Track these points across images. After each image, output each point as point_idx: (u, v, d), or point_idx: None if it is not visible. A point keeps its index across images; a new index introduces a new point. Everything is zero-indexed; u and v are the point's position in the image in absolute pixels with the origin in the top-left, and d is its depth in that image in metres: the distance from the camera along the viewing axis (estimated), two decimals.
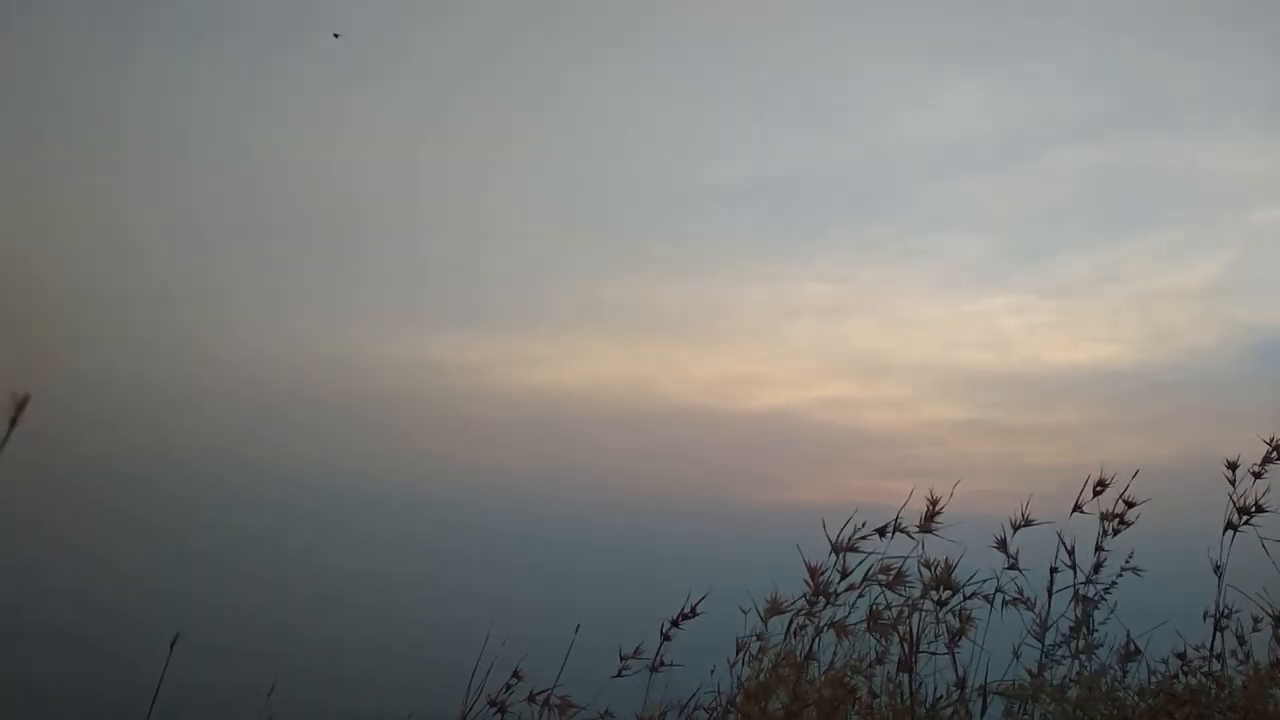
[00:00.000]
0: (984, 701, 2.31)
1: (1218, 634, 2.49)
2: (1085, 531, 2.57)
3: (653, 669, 2.20)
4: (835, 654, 2.26)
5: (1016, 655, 2.38)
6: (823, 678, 2.22)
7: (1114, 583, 2.52)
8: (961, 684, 2.33)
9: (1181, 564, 2.59)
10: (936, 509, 2.26)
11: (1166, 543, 2.69)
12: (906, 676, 2.27)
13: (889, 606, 2.27)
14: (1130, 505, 2.52)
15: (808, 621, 2.23)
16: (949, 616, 2.35)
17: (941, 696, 2.33)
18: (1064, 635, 2.47)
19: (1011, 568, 2.45)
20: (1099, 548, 2.52)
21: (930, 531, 2.26)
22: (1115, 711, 2.37)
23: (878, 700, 2.29)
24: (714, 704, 2.22)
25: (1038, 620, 2.46)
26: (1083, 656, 2.47)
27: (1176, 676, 2.44)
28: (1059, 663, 2.44)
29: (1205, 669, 2.42)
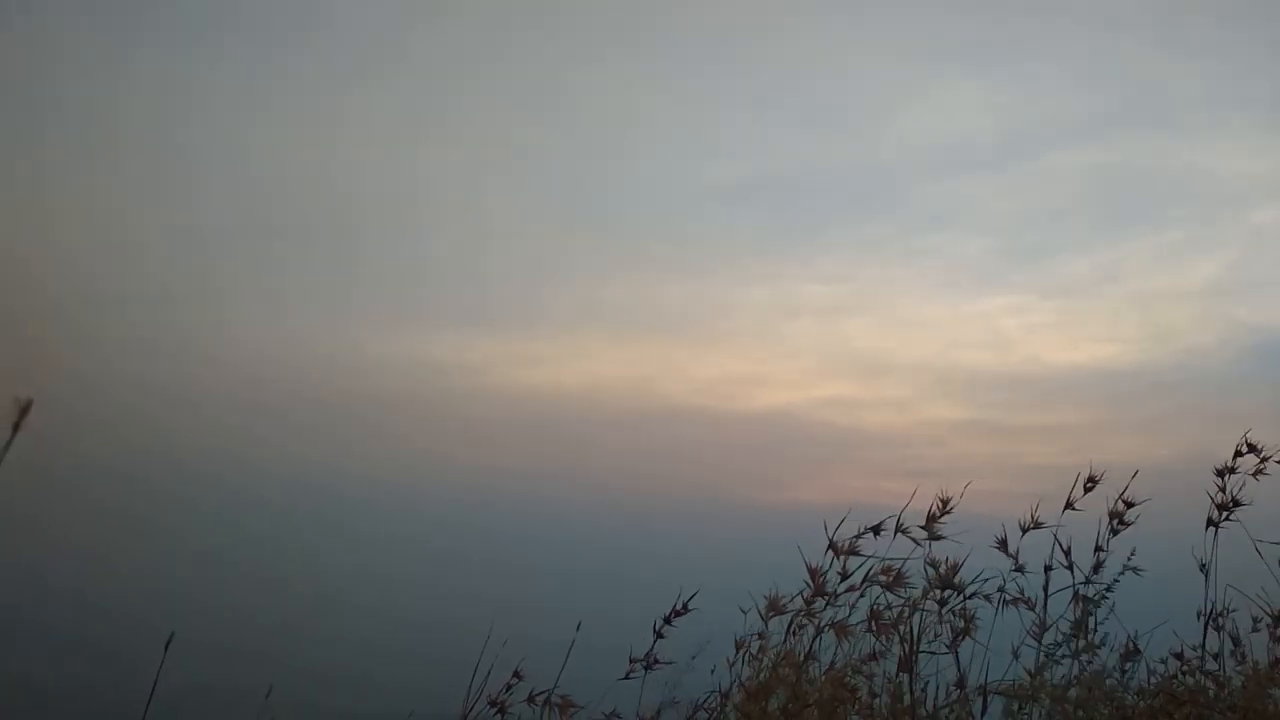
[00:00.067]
0: (984, 701, 2.31)
1: (1213, 634, 2.49)
2: (1083, 531, 2.58)
3: (647, 667, 2.20)
4: (836, 654, 2.26)
5: (1016, 655, 2.38)
6: (823, 678, 2.22)
7: (1114, 582, 2.52)
8: (961, 684, 2.33)
9: (1181, 564, 2.59)
10: (946, 508, 2.27)
11: (1166, 543, 2.69)
12: (907, 676, 2.28)
13: (889, 607, 2.27)
14: (1130, 505, 2.52)
15: (807, 621, 2.24)
16: (950, 616, 2.35)
17: (935, 693, 2.33)
18: (1064, 635, 2.47)
19: (1018, 569, 2.45)
20: (1099, 548, 2.52)
21: (936, 535, 2.27)
22: (1115, 711, 2.37)
23: (878, 700, 2.29)
24: (714, 704, 2.22)
25: (1037, 620, 2.46)
26: (1083, 657, 2.47)
27: (1176, 677, 2.44)
28: (1059, 662, 2.44)
29: (1204, 669, 2.43)
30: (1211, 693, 2.35)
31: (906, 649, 2.27)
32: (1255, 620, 2.50)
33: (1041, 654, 2.43)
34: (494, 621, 2.12)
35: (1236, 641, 2.48)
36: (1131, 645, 2.51)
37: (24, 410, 0.90)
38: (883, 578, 2.23)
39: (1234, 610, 2.51)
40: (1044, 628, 2.46)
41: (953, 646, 2.34)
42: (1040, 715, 2.33)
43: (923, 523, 2.28)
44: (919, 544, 2.27)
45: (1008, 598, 2.43)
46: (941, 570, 2.30)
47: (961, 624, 2.34)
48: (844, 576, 2.22)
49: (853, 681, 2.25)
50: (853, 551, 2.21)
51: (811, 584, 2.22)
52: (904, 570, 2.25)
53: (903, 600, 2.27)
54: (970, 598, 2.37)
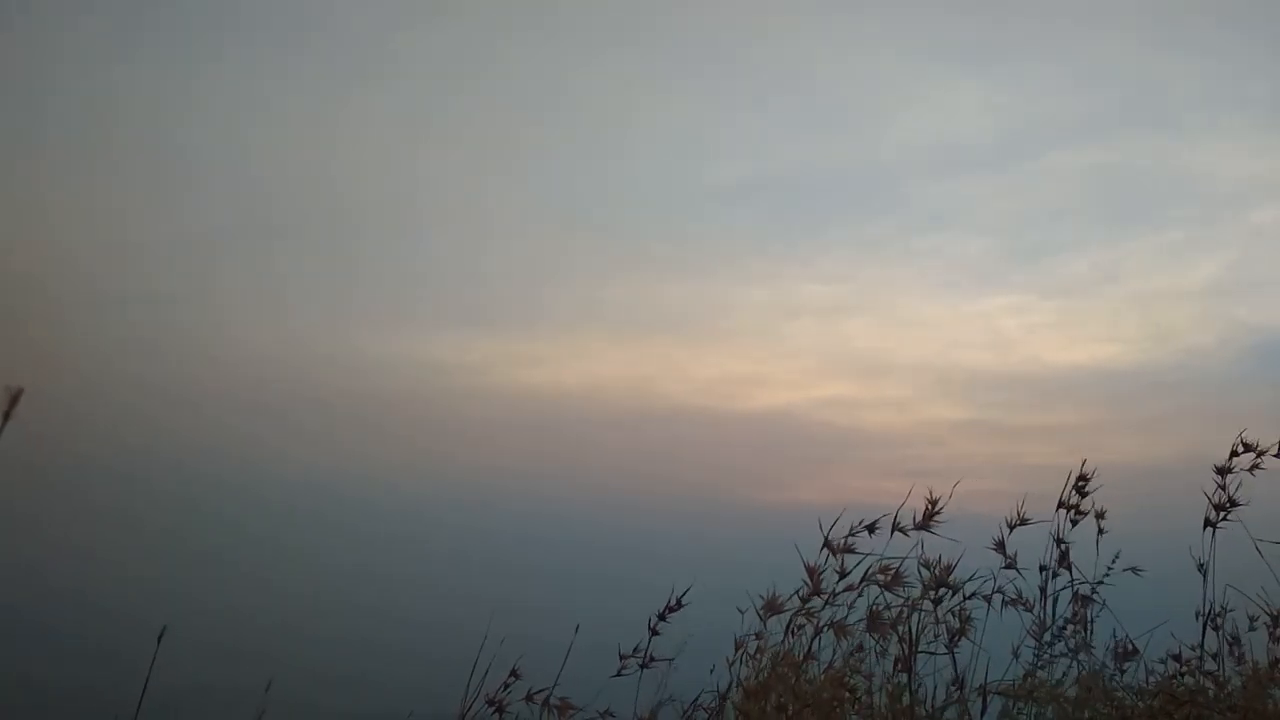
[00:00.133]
0: (983, 701, 2.31)
1: (1211, 633, 2.49)
2: (1082, 531, 2.58)
3: (643, 665, 2.20)
4: (835, 654, 2.26)
5: (1016, 655, 2.39)
6: (822, 677, 2.22)
7: (1102, 580, 2.52)
8: (960, 684, 2.33)
9: (1181, 565, 2.59)
10: (935, 509, 2.27)
11: (1166, 543, 2.69)
12: (906, 676, 2.27)
13: (888, 607, 2.27)
14: (1084, 494, 2.52)
15: (806, 621, 2.24)
16: (948, 616, 2.35)
17: (934, 693, 2.33)
18: (1057, 634, 2.47)
19: (1009, 567, 2.45)
20: (1059, 540, 2.52)
21: (928, 529, 2.26)
22: (1114, 712, 2.37)
23: (877, 699, 2.29)
24: (713, 704, 2.22)
25: (1036, 620, 2.46)
26: (1081, 656, 2.47)
27: (1176, 677, 2.44)
28: (1056, 660, 2.44)
29: (1202, 669, 2.43)
30: (1211, 693, 2.34)
31: (905, 649, 2.26)
32: (1252, 619, 2.50)
33: (1040, 653, 2.43)
34: (492, 621, 2.12)
35: (1236, 641, 2.48)
36: (1130, 645, 2.51)
37: (14, 399, 0.90)
38: (880, 577, 2.23)
39: (1233, 610, 2.51)
40: (1044, 627, 2.46)
41: (950, 646, 2.34)
42: (1039, 715, 2.33)
43: (916, 522, 2.28)
44: (908, 534, 2.27)
45: (1007, 598, 2.43)
46: (935, 570, 2.30)
47: (958, 624, 2.34)
48: (842, 575, 2.22)
49: (852, 681, 2.25)
50: (849, 550, 2.21)
51: (809, 583, 2.22)
52: (902, 569, 2.25)
53: (901, 600, 2.27)
54: (970, 598, 2.37)
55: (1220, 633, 2.49)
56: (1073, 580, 2.52)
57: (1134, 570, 2.53)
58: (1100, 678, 2.43)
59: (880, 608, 2.25)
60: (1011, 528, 2.47)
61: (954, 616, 2.36)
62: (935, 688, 2.32)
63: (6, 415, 0.96)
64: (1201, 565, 2.50)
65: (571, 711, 2.12)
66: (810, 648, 2.23)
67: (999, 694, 2.32)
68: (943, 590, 2.32)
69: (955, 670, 2.34)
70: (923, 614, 2.30)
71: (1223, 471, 2.52)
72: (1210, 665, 2.45)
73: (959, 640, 2.35)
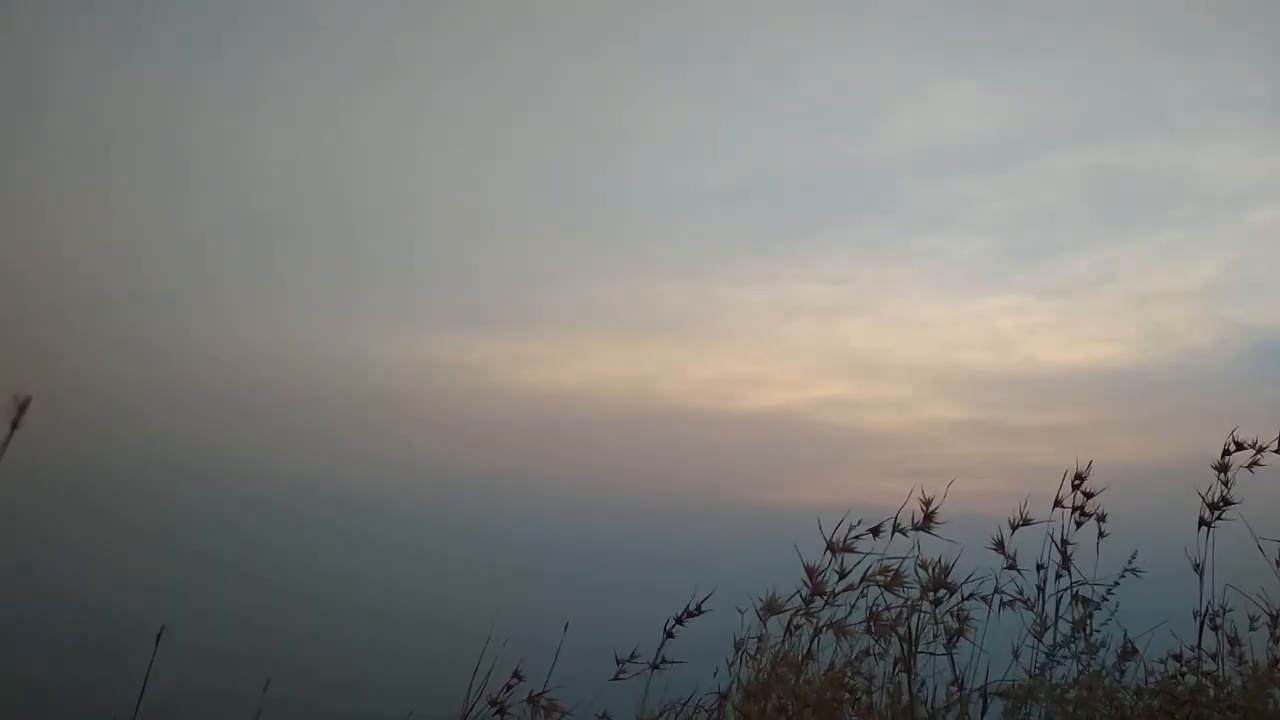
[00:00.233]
0: (984, 702, 2.31)
1: (1209, 633, 2.49)
2: (1082, 532, 2.58)
3: (654, 666, 2.20)
4: (835, 654, 2.26)
5: (1016, 655, 2.39)
6: (822, 677, 2.22)
7: (1115, 584, 2.52)
8: (960, 684, 2.33)
9: (1180, 565, 2.59)
10: (932, 510, 2.27)
11: (1165, 543, 2.69)
12: (905, 677, 2.27)
13: (888, 607, 2.27)
14: (1088, 495, 2.52)
15: (805, 621, 2.23)
16: (947, 617, 2.35)
17: (934, 694, 2.33)
18: (1064, 636, 2.47)
19: (1010, 567, 2.45)
20: (1065, 541, 2.52)
21: (928, 530, 2.26)
22: (1114, 712, 2.37)
23: (876, 698, 2.29)
24: (713, 705, 2.22)
25: (1037, 620, 2.46)
26: (1082, 657, 2.47)
27: (1175, 677, 2.44)
28: (1059, 663, 2.44)
29: (1202, 669, 2.43)
30: (1211, 693, 2.34)
31: (905, 649, 2.26)
32: (1253, 619, 2.50)
33: (1040, 654, 2.43)
34: (494, 622, 2.11)
35: (1235, 641, 2.48)
36: (1130, 645, 2.51)
37: (22, 408, 0.90)
38: (880, 577, 2.23)
39: (1232, 610, 2.51)
40: (1044, 628, 2.46)
41: (949, 646, 2.34)
42: (1039, 715, 2.33)
43: (914, 522, 2.28)
44: (906, 535, 2.27)
45: (1005, 598, 2.43)
46: (933, 570, 2.30)
47: (956, 624, 2.34)
48: (841, 575, 2.22)
49: (852, 682, 2.25)
50: (848, 549, 2.21)
51: (809, 583, 2.22)
52: (901, 570, 2.25)
53: (901, 600, 2.27)
54: (968, 598, 2.37)
55: (1219, 633, 2.49)
56: (1072, 582, 2.52)
57: (1134, 571, 2.53)
58: (1101, 678, 2.43)
59: (880, 608, 2.25)
60: (1014, 528, 2.47)
61: (953, 617, 2.36)
62: (935, 688, 2.33)
63: (15, 424, 0.96)
64: (1198, 565, 2.50)
65: (558, 713, 2.11)
66: (810, 648, 2.22)
67: (999, 694, 2.32)
68: (941, 591, 2.32)
69: (954, 671, 2.34)
70: (922, 614, 2.30)
71: (1221, 470, 2.52)
72: (1210, 665, 2.45)
73: (958, 640, 2.35)
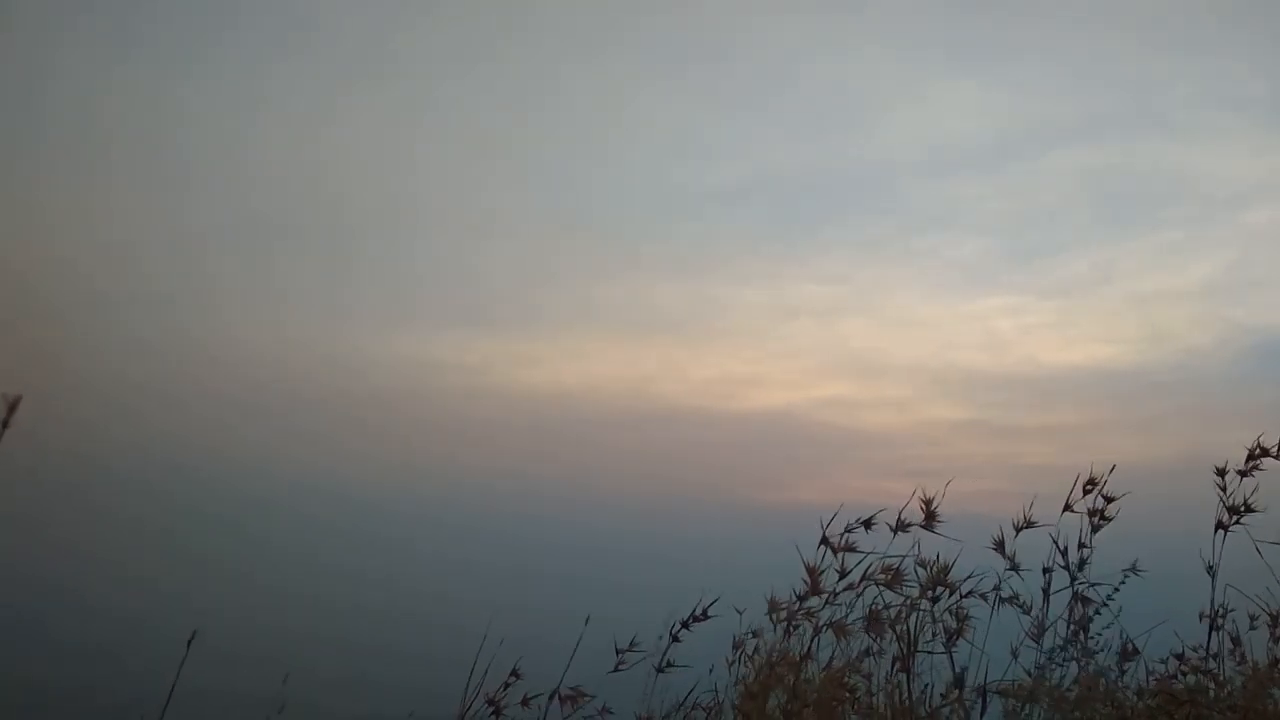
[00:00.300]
0: (983, 701, 2.31)
1: (1214, 634, 2.49)
2: (1080, 531, 2.57)
3: (659, 669, 2.20)
4: (834, 653, 2.26)
5: (1015, 655, 2.38)
6: (822, 675, 2.22)
7: (1118, 587, 2.51)
8: (959, 683, 2.33)
9: (1180, 565, 2.59)
10: (931, 509, 2.27)
11: (1165, 543, 2.69)
12: (905, 676, 2.27)
13: (887, 606, 2.27)
14: (1110, 500, 2.52)
15: (805, 621, 2.23)
16: (946, 616, 2.35)
17: (931, 693, 2.33)
18: (1064, 637, 2.46)
19: (1012, 568, 2.45)
20: (1082, 544, 2.52)
21: (928, 528, 2.26)
22: (1114, 712, 2.37)
23: (875, 698, 2.28)
24: (712, 703, 2.22)
25: (1036, 621, 2.46)
26: (1082, 658, 2.46)
27: (1175, 677, 2.44)
28: (1061, 665, 2.44)
29: (1204, 669, 2.42)
30: (1211, 693, 2.34)
31: (904, 648, 2.26)
32: (1253, 619, 2.50)
33: (1041, 655, 2.42)
34: (491, 621, 2.11)
35: (1237, 641, 2.48)
36: (1130, 646, 2.51)
37: (12, 407, 0.90)
38: (880, 576, 2.23)
39: (1233, 610, 2.51)
40: (1043, 628, 2.45)
41: (949, 646, 2.34)
42: (1039, 715, 2.33)
43: (915, 521, 2.28)
44: (905, 530, 2.27)
45: (1003, 595, 2.43)
46: (933, 570, 2.30)
47: (955, 624, 2.34)
48: (842, 574, 2.22)
49: (851, 681, 2.25)
50: (848, 548, 2.21)
51: (808, 582, 2.22)
52: (901, 569, 2.24)
53: (900, 599, 2.27)
54: (965, 596, 2.37)
55: (1220, 633, 2.49)
56: (1074, 581, 2.52)
57: (1134, 571, 2.53)
58: (1101, 678, 2.43)
59: (879, 607, 2.25)
60: (1017, 529, 2.46)
61: (952, 616, 2.36)
62: (934, 687, 2.32)
63: (5, 423, 0.96)
64: (1211, 567, 2.49)
65: (583, 699, 2.10)
66: (809, 647, 2.22)
67: (999, 693, 2.31)
68: (941, 590, 2.32)
69: (954, 670, 2.34)
70: (921, 613, 2.30)
71: (1242, 474, 2.51)
72: (1210, 665, 2.45)
73: (957, 640, 2.34)
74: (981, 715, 2.32)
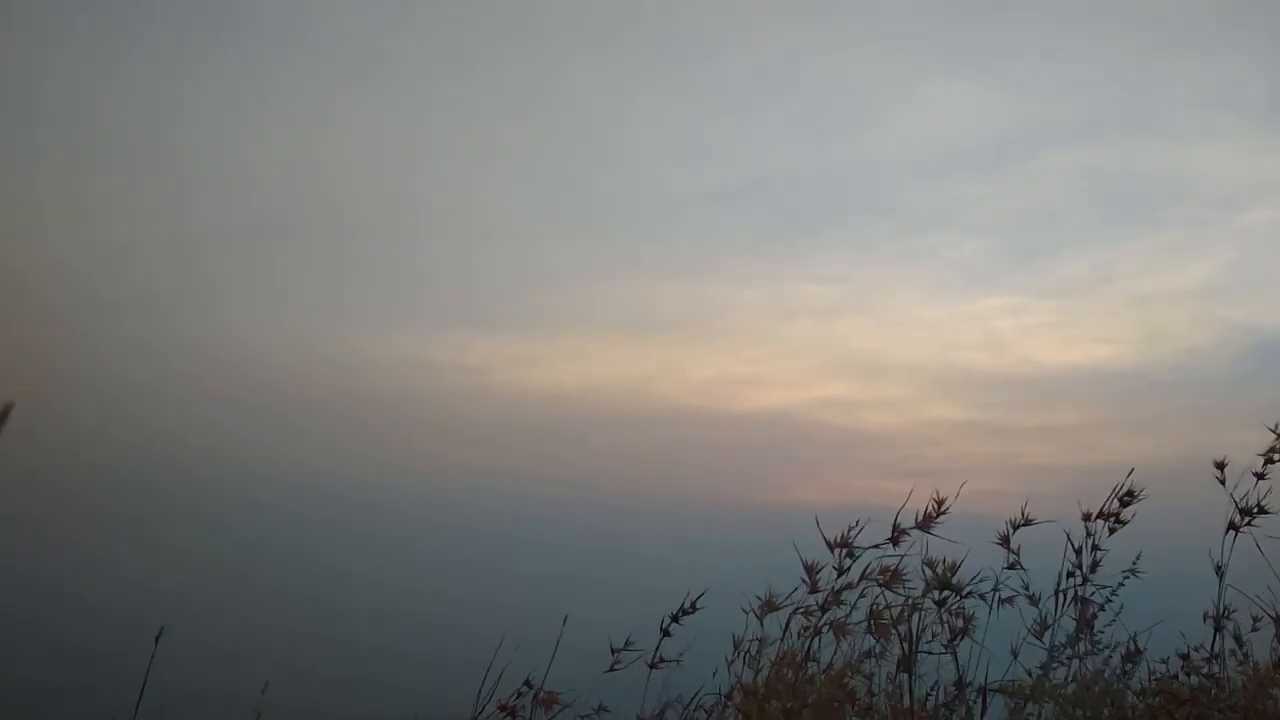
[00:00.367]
0: (984, 702, 2.31)
1: (1218, 635, 2.48)
2: (1080, 530, 2.57)
3: (651, 665, 2.20)
4: (835, 654, 2.26)
5: (1015, 655, 2.38)
6: (823, 677, 2.21)
7: (1120, 585, 2.51)
8: (961, 683, 2.33)
9: (1179, 565, 2.59)
10: (942, 509, 2.26)
11: (1165, 543, 2.69)
12: (906, 676, 2.27)
13: (889, 606, 2.26)
14: (1125, 504, 2.52)
15: (806, 620, 2.23)
16: (948, 616, 2.35)
17: (935, 693, 2.33)
18: (1067, 636, 2.46)
19: (1011, 567, 2.45)
20: (1096, 547, 2.51)
21: (928, 531, 2.26)
22: (1115, 711, 2.37)
23: (876, 699, 2.28)
24: (713, 705, 2.22)
25: (1037, 621, 2.46)
26: (1084, 658, 2.46)
27: (1176, 676, 2.44)
28: (1064, 665, 2.44)
29: (1206, 670, 2.42)
30: (1212, 693, 2.34)
31: (905, 648, 2.26)
32: (1255, 619, 2.50)
33: (1043, 655, 2.42)
34: (506, 625, 2.11)
35: (1240, 641, 2.48)
36: (1132, 646, 2.51)
37: (5, 412, 0.90)
38: (881, 576, 2.23)
39: (1234, 610, 2.51)
40: (1044, 627, 2.45)
41: (950, 646, 2.34)
42: (1041, 715, 2.33)
43: (918, 522, 2.28)
44: (909, 535, 2.26)
45: (1004, 595, 2.43)
46: (940, 570, 2.30)
47: (961, 623, 2.34)
48: (840, 573, 2.22)
49: (852, 683, 2.25)
50: (849, 546, 2.21)
51: (809, 582, 2.22)
52: (902, 568, 2.24)
53: (902, 599, 2.27)
54: (966, 596, 2.37)
55: (1223, 633, 2.49)
56: (1074, 584, 2.52)
57: (1134, 573, 2.53)
58: (1101, 677, 2.43)
59: (881, 607, 2.25)
60: (1015, 527, 2.46)
61: (954, 616, 2.36)
62: (937, 687, 2.32)
63: None
64: (1220, 568, 2.49)
65: (558, 707, 2.10)
66: (810, 648, 2.22)
67: (999, 693, 2.31)
68: (944, 590, 2.32)
69: (957, 670, 2.33)
70: (923, 613, 2.29)
71: (1259, 476, 2.50)
72: (1213, 666, 2.45)
73: (960, 639, 2.34)
74: (982, 715, 2.32)
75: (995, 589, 2.40)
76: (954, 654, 2.33)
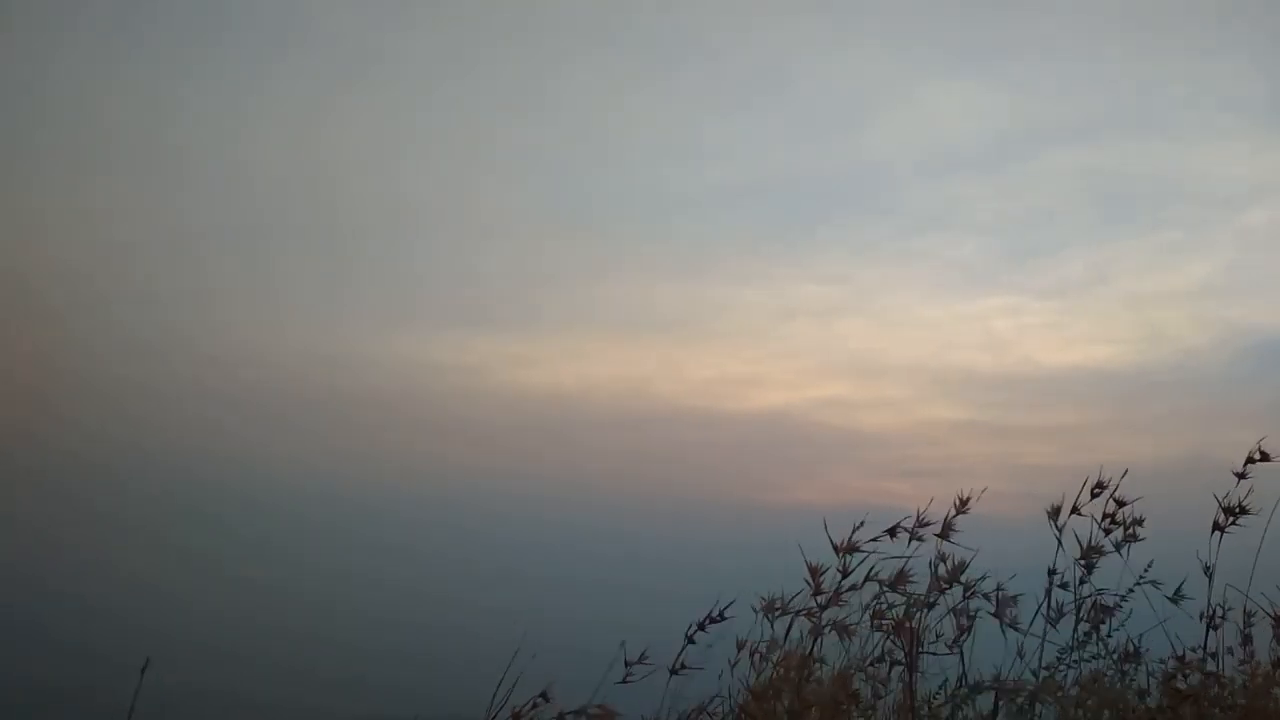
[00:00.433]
0: (995, 701, 2.31)
1: (1212, 634, 2.48)
2: (1083, 530, 2.57)
3: (673, 671, 2.18)
4: (841, 654, 2.26)
5: (1020, 655, 2.38)
6: (828, 678, 2.21)
7: (1130, 591, 2.52)
8: (963, 683, 2.33)
9: (1179, 565, 2.59)
10: (965, 506, 2.27)
11: (1165, 544, 2.69)
12: (909, 676, 2.27)
13: (892, 607, 2.27)
14: (1121, 505, 2.52)
15: (810, 621, 2.23)
16: (951, 616, 2.35)
17: (941, 694, 2.33)
18: (1075, 640, 2.47)
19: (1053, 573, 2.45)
20: (1095, 549, 2.52)
21: (947, 538, 2.27)
22: (1116, 712, 2.37)
23: (882, 700, 2.28)
24: (718, 708, 2.21)
25: (1046, 618, 2.46)
26: (1087, 658, 2.47)
27: (1176, 676, 2.44)
28: (1070, 667, 2.44)
29: (1204, 669, 2.42)
30: (1213, 692, 2.34)
31: (909, 648, 2.26)
32: (1250, 615, 2.50)
33: (1046, 655, 2.43)
34: (509, 630, 2.10)
35: (1246, 640, 2.48)
36: (1132, 646, 2.51)
37: None
38: (885, 577, 2.23)
39: (1232, 610, 2.51)
40: (1045, 629, 2.46)
41: (952, 646, 2.34)
42: (1042, 714, 2.33)
43: (926, 524, 2.29)
44: (920, 539, 2.27)
45: (1004, 597, 2.43)
46: (950, 566, 2.31)
47: (967, 622, 2.34)
48: (844, 574, 2.22)
49: (856, 685, 2.25)
50: (855, 548, 2.21)
51: (812, 583, 2.22)
52: (908, 569, 2.24)
53: (906, 600, 2.27)
54: (969, 596, 2.37)
55: (1219, 633, 2.49)
56: (1075, 584, 2.52)
57: (1151, 583, 2.53)
58: (1102, 677, 2.43)
59: (885, 608, 2.25)
60: (1005, 524, 2.47)
61: (955, 615, 2.36)
62: (944, 685, 2.33)
63: None
64: (1208, 568, 2.49)
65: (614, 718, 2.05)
66: (814, 649, 2.22)
67: (1000, 693, 2.31)
68: (947, 590, 2.33)
69: (963, 669, 2.34)
70: (927, 613, 2.30)
71: (1240, 476, 2.51)
72: (1211, 665, 2.45)
73: (966, 638, 2.34)
74: (983, 715, 2.32)
75: (997, 589, 2.41)
76: (961, 654, 2.33)
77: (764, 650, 2.23)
